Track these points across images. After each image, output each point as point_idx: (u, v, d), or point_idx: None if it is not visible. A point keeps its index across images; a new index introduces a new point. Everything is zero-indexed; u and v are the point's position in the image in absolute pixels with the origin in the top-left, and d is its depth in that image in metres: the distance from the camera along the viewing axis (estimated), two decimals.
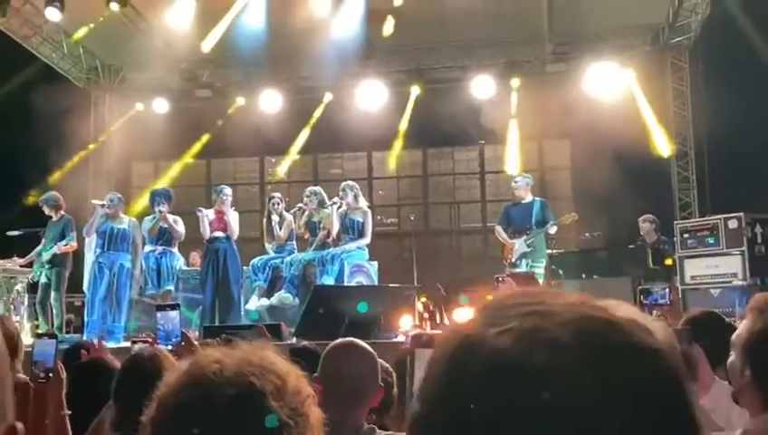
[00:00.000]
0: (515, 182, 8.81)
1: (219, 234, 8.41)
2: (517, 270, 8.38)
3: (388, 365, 2.99)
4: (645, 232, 8.94)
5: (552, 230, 8.43)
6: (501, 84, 11.91)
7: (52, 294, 8.55)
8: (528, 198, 8.65)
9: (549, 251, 8.88)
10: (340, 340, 2.56)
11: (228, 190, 8.65)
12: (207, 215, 8.41)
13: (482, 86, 11.90)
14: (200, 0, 10.02)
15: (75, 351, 3.71)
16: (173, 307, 3.07)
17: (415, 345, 0.92)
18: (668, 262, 8.54)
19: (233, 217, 8.56)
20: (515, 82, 12.01)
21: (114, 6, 10.06)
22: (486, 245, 12.44)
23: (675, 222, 8.66)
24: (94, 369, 3.34)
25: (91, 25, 10.72)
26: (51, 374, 2.63)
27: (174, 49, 11.20)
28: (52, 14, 10.27)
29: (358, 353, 2.44)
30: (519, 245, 8.36)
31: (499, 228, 8.72)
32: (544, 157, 12.99)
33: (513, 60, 12.09)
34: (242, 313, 8.43)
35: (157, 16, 10.95)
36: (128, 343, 7.17)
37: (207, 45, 11.00)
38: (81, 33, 10.67)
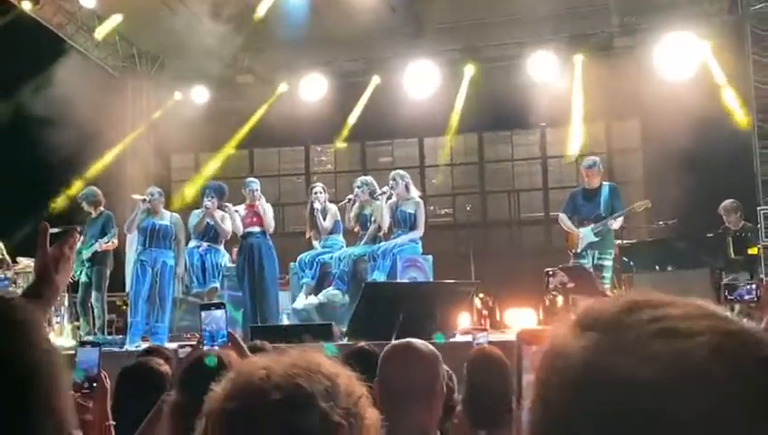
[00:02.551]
0: (585, 166, 8.68)
1: (254, 229, 8.54)
2: (582, 261, 8.29)
3: (447, 368, 3.02)
4: (728, 219, 8.75)
5: (615, 225, 8.28)
6: (563, 61, 11.78)
7: (93, 293, 8.79)
8: (596, 182, 8.53)
9: (618, 241, 8.76)
10: (398, 341, 2.59)
11: (256, 184, 8.79)
12: (237, 210, 8.59)
13: (543, 63, 11.79)
14: None
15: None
16: (218, 306, 3.11)
17: (525, 341, 0.92)
18: (753, 251, 8.36)
19: (268, 210, 8.69)
20: (579, 59, 11.84)
21: None
22: (549, 236, 12.34)
23: (758, 208, 8.46)
24: (142, 374, 3.45)
25: None
26: (95, 384, 2.70)
27: (213, 33, 11.37)
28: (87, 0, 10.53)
29: (418, 355, 2.46)
30: (586, 234, 8.26)
31: (563, 216, 8.62)
32: (612, 139, 12.82)
33: (576, 34, 11.94)
34: (279, 312, 8.57)
35: None
36: (173, 345, 7.37)
37: (249, 26, 11.11)
38: None
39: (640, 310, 0.72)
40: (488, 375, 3.20)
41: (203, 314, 3.03)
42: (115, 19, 11.56)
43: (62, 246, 1.86)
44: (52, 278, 1.82)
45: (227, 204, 8.66)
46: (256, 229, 8.56)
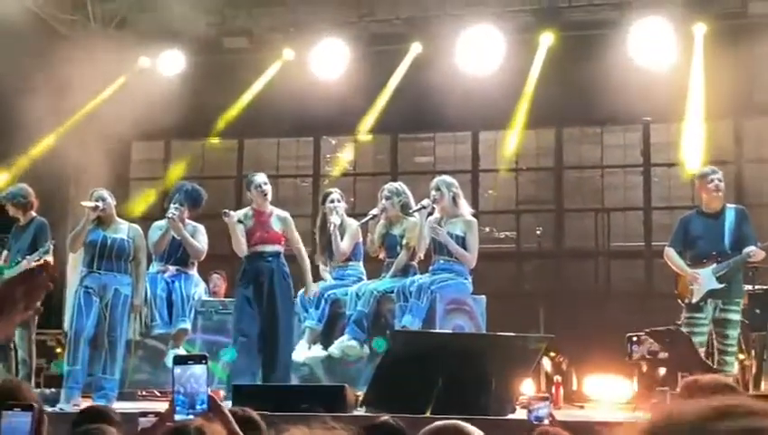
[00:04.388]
0: (703, 177, 8.63)
1: (265, 247, 8.46)
2: (699, 315, 8.22)
3: None
4: None
5: (759, 256, 8.21)
6: (678, 32, 11.72)
7: (18, 330, 8.84)
8: (717, 203, 8.47)
9: (749, 288, 8.66)
10: (442, 423, 2.59)
11: (264, 179, 8.69)
12: (241, 219, 8.45)
13: (649, 34, 11.75)
14: None
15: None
16: (198, 359, 3.12)
17: None
18: None
19: (287, 222, 8.62)
20: (700, 29, 11.79)
21: None
22: (651, 275, 12.25)
23: None
24: None
25: None
26: None
27: None
28: None
29: None
30: (705, 277, 8.17)
31: (672, 252, 8.55)
32: (743, 143, 12.71)
33: None
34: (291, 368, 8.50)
35: None
36: (127, 406, 7.38)
37: None
38: None
39: (730, 417, 0.80)
40: None
41: (177, 370, 3.03)
42: None
43: (14, 286, 1.83)
44: None
45: (230, 212, 8.53)
46: (269, 248, 8.47)
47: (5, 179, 11.90)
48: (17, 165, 11.93)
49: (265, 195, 8.55)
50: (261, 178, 8.64)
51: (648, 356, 8.69)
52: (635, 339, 8.62)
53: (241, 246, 8.40)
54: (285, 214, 8.75)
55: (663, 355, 8.05)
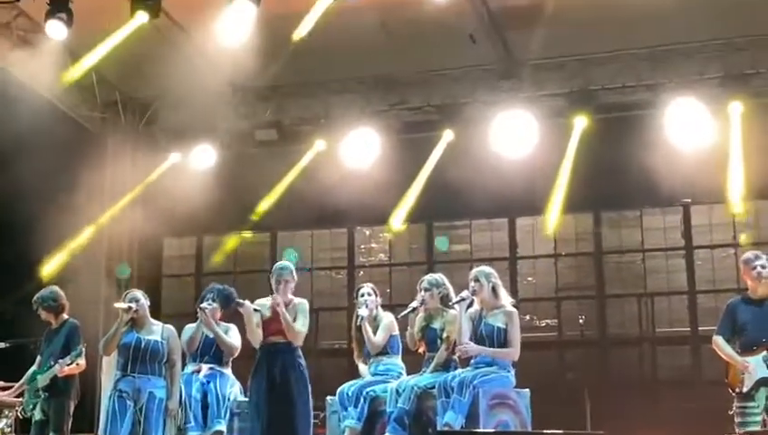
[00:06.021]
0: (746, 263, 8.54)
1: (280, 339, 8.33)
2: (750, 404, 8.07)
3: None
4: None
5: None
6: (714, 111, 11.73)
7: None
8: (765, 290, 8.35)
9: None
10: None
11: (290, 270, 8.49)
12: (260, 309, 8.24)
13: (684, 114, 11.78)
14: (263, 3, 10.38)
15: None
16: None
17: None
18: None
19: (300, 313, 8.37)
20: (736, 108, 11.80)
21: (142, 17, 10.57)
22: (698, 361, 12.10)
23: None
24: None
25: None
26: None
27: (224, 72, 11.60)
28: (56, 30, 10.86)
29: None
30: (756, 366, 8.05)
31: (720, 340, 8.40)
32: None
33: (732, 73, 11.91)
34: None
35: (200, 27, 11.38)
36: None
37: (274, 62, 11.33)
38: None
39: None
40: None
41: None
42: (92, 55, 11.82)
43: None
44: None
45: (245, 302, 8.34)
46: (283, 340, 8.36)
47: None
48: (49, 266, 12.00)
49: (287, 286, 8.33)
50: (287, 272, 8.38)
51: None
52: None
53: (255, 336, 8.26)
54: (302, 301, 8.49)
55: None
